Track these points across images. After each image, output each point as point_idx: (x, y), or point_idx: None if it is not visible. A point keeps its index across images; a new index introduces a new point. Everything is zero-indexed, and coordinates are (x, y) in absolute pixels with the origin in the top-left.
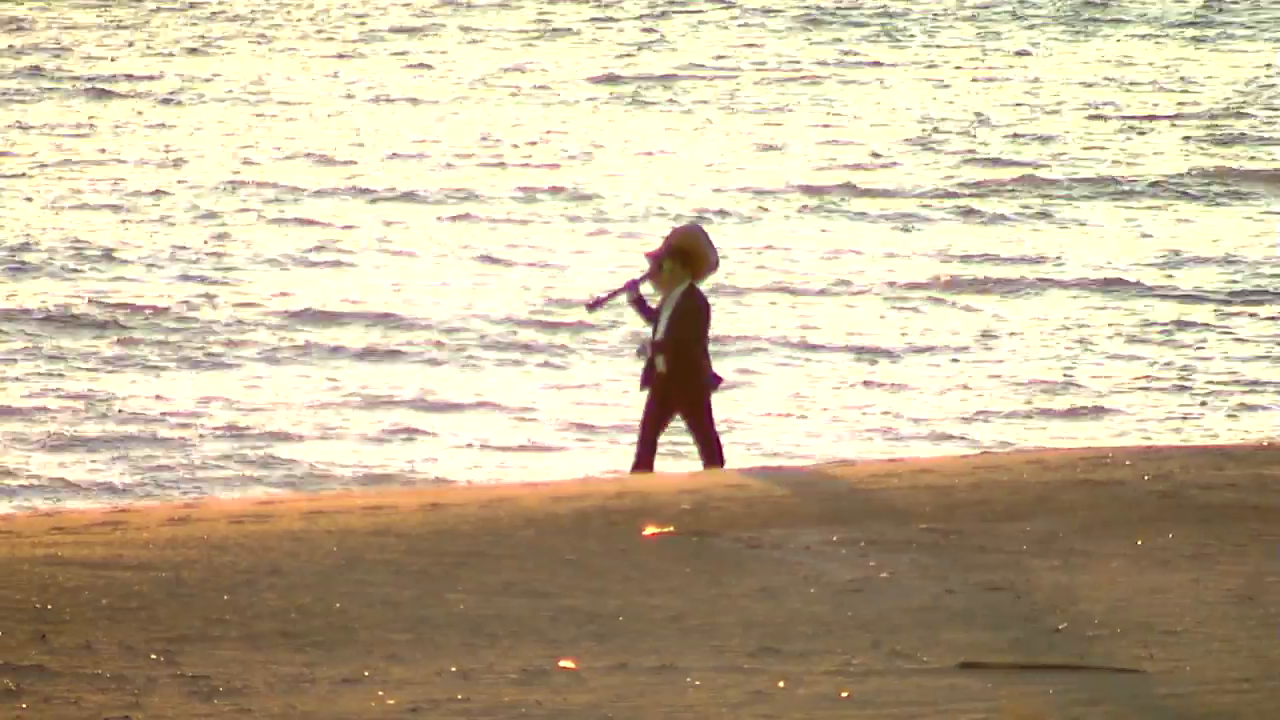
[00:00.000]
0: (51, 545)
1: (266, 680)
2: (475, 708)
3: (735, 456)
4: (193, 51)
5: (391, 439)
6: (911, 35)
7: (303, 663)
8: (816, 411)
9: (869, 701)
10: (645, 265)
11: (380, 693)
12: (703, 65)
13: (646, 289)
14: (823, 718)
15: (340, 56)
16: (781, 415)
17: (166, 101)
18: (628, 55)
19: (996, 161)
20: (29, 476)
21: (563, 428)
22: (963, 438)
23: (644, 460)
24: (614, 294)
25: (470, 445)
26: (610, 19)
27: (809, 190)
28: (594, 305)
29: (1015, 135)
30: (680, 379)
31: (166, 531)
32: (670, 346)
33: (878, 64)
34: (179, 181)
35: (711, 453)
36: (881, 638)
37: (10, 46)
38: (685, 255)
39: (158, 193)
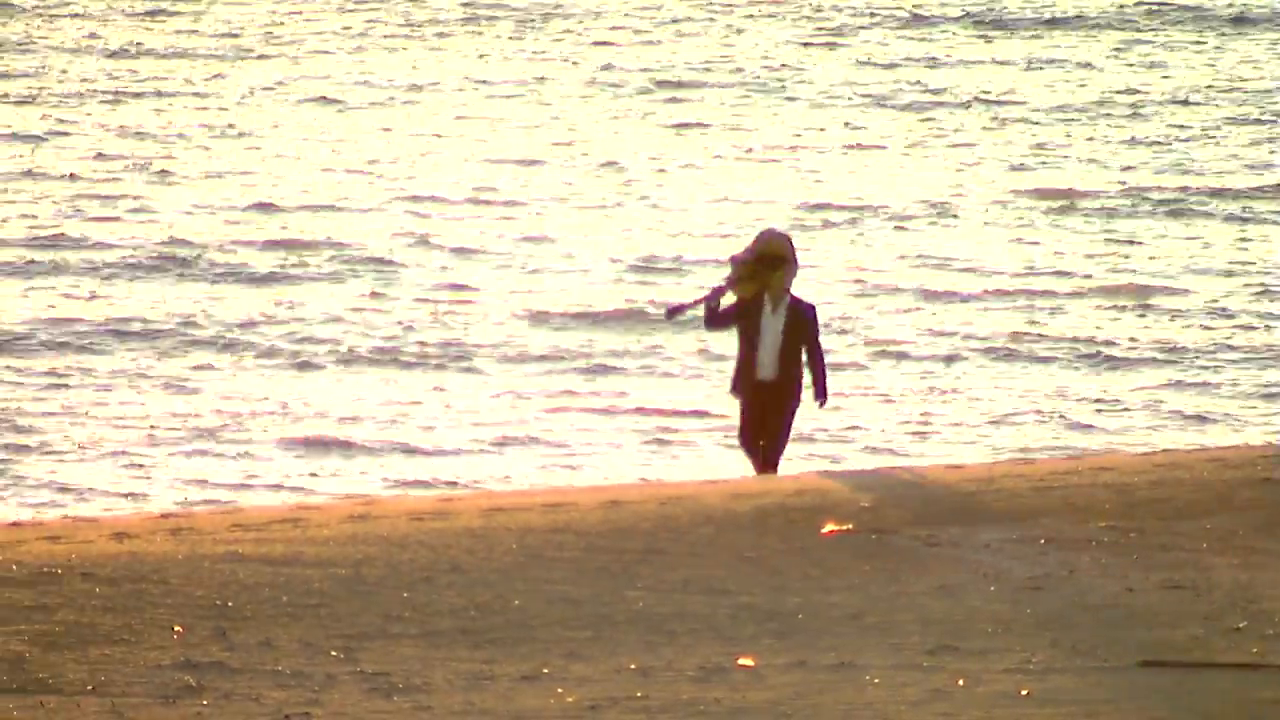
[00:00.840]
0: (232, 542)
1: (446, 677)
2: (654, 705)
3: (913, 460)
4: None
5: (533, 440)
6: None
7: (482, 660)
8: (982, 412)
9: (1048, 699)
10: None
11: (559, 690)
12: (874, 63)
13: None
14: (1002, 716)
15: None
16: (951, 416)
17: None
18: (803, 54)
19: (1167, 167)
20: (213, 476)
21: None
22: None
23: (773, 461)
24: (699, 301)
25: (616, 447)
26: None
27: (985, 194)
28: (675, 312)
29: (1185, 139)
30: (789, 386)
31: (347, 528)
32: (791, 354)
33: (1040, 66)
34: (340, 183)
35: (776, 459)
36: (1061, 635)
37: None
38: (787, 262)
39: (329, 206)
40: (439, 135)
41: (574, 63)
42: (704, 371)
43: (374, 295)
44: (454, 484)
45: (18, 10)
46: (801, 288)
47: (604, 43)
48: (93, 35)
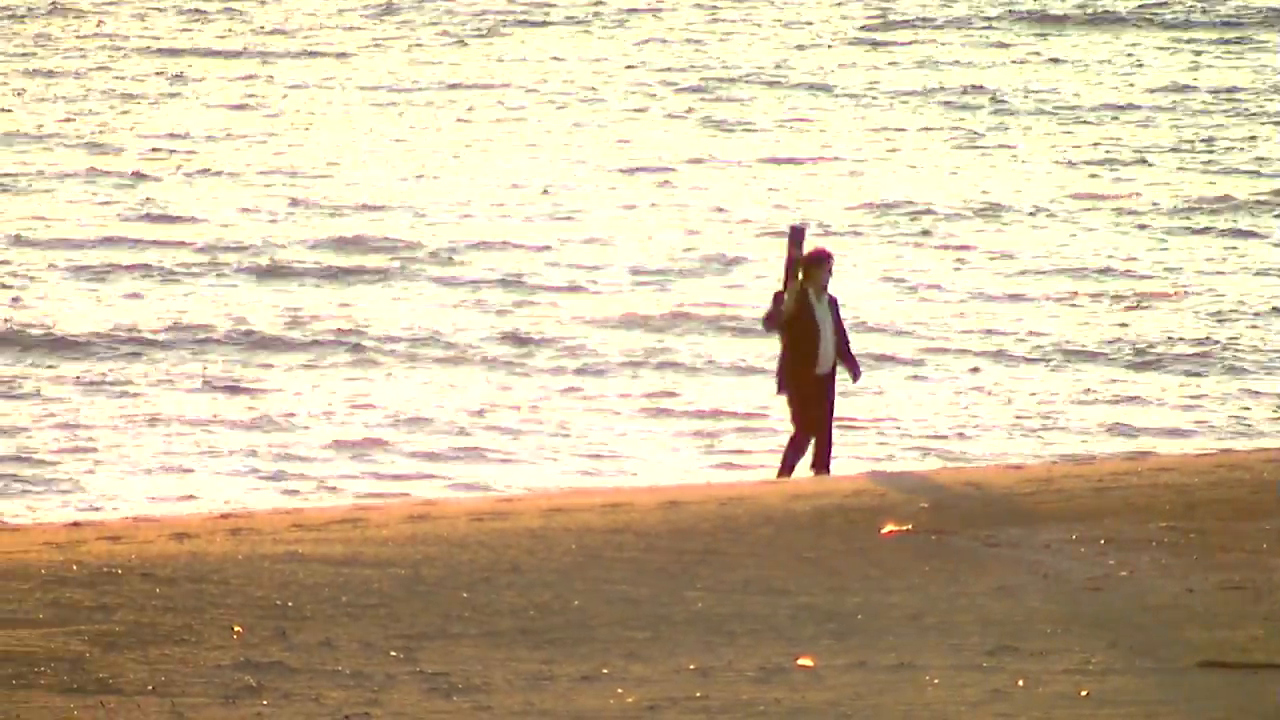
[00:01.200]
0: (293, 542)
1: (505, 678)
2: (714, 705)
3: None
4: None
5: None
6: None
7: (541, 660)
8: (1025, 412)
9: (1107, 700)
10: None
11: (619, 690)
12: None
13: None
14: (1061, 717)
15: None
16: (997, 416)
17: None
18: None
19: (1227, 172)
20: (268, 477)
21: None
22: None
23: (825, 460)
24: (780, 307)
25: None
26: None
27: (1039, 198)
28: (773, 321)
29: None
30: (834, 377)
31: (406, 529)
32: (839, 346)
33: (1107, 62)
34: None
35: (830, 457)
36: (1120, 636)
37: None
38: (830, 256)
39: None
40: (487, 136)
41: (620, 62)
42: (755, 371)
43: (399, 295)
44: (494, 484)
45: (66, 11)
46: (848, 287)
47: (651, 39)
48: (118, 35)
